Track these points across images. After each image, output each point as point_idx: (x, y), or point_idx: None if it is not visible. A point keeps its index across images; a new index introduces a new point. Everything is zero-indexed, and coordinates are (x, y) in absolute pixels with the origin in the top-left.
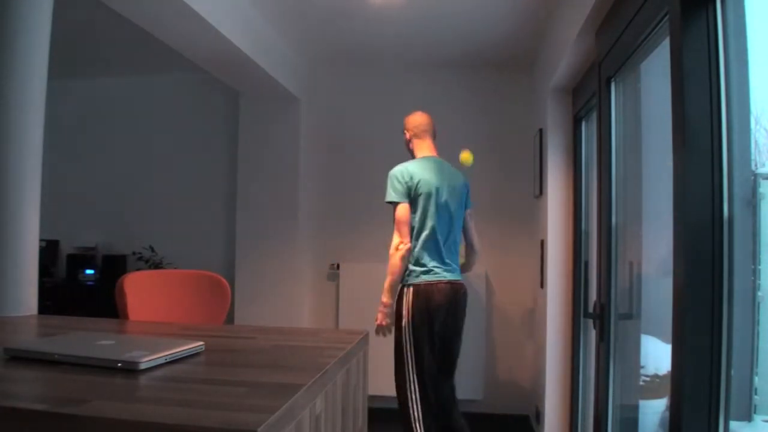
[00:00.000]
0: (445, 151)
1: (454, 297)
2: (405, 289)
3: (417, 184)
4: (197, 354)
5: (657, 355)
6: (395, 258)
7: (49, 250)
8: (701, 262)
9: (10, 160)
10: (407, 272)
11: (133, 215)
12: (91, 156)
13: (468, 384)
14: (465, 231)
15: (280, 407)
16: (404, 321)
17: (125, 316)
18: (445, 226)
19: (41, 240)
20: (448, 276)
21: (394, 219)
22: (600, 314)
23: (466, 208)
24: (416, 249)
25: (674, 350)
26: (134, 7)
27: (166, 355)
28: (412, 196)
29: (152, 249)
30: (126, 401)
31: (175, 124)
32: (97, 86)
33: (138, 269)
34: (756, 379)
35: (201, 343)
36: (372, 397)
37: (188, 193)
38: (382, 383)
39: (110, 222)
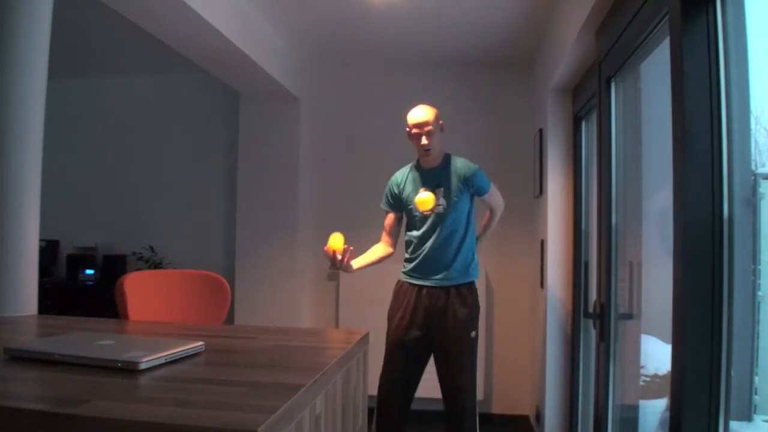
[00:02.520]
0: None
1: None
2: (475, 285)
3: None
4: (197, 354)
5: (657, 355)
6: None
7: (49, 250)
8: (701, 262)
9: (11, 160)
10: (474, 266)
11: (133, 215)
12: (92, 156)
13: None
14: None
15: (280, 407)
16: (478, 318)
17: (125, 316)
18: None
19: (41, 240)
20: None
21: (494, 200)
22: (600, 314)
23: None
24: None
25: (674, 350)
26: (134, 8)
27: (166, 355)
28: None
29: (152, 249)
30: (126, 401)
31: (175, 124)
32: (97, 86)
33: (138, 269)
34: (756, 379)
35: (201, 343)
36: (372, 397)
37: (188, 193)
38: None
39: (110, 222)
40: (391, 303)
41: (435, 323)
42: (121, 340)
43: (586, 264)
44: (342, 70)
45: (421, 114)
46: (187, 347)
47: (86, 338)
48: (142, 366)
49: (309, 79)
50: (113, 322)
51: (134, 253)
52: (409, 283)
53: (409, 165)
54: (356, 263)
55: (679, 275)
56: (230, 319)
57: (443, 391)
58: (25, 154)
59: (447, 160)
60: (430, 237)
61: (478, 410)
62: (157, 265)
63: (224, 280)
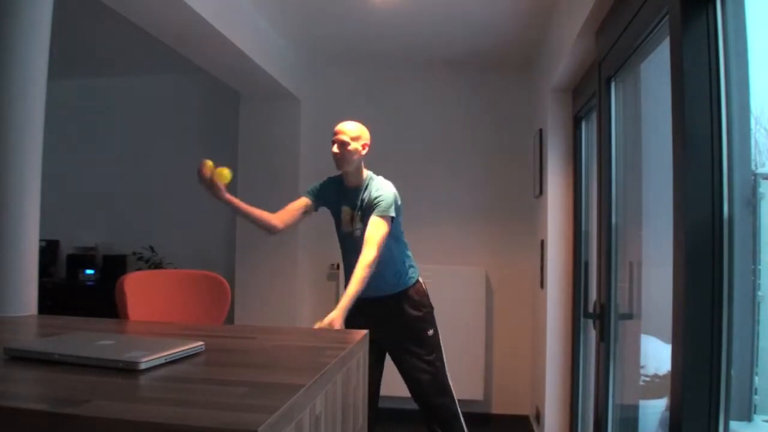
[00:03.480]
0: (445, 153)
1: None
2: (420, 285)
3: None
4: (197, 354)
5: (657, 355)
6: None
7: (49, 250)
8: (701, 262)
9: (11, 160)
10: (405, 275)
11: (133, 215)
12: (91, 156)
13: (468, 384)
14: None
15: (280, 407)
16: (430, 311)
17: (125, 316)
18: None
19: (41, 240)
20: None
21: (382, 232)
22: (600, 314)
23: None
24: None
25: (674, 350)
26: (134, 8)
27: (166, 355)
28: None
29: (152, 249)
30: (126, 401)
31: (176, 124)
32: (97, 86)
33: (138, 269)
34: (756, 379)
35: (201, 343)
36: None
37: (188, 193)
38: (389, 383)
39: (110, 222)
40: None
41: (390, 328)
42: (121, 340)
43: (586, 264)
44: (342, 70)
45: (346, 124)
46: (187, 347)
47: (86, 338)
48: (142, 366)
49: (309, 79)
50: (113, 322)
51: (134, 253)
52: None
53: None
54: (233, 199)
55: (679, 275)
56: (230, 319)
57: (413, 395)
58: (25, 155)
59: (368, 183)
60: (354, 257)
61: (459, 408)
62: (157, 265)
63: (224, 280)
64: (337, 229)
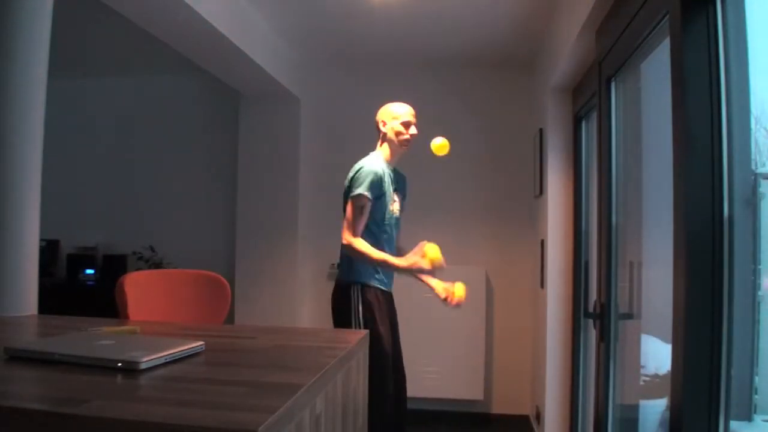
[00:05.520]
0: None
1: None
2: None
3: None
4: (197, 354)
5: (657, 355)
6: None
7: (49, 250)
8: (701, 262)
9: (11, 160)
10: None
11: (133, 215)
12: (92, 156)
13: (468, 384)
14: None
15: (280, 407)
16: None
17: (125, 316)
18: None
19: (41, 240)
20: None
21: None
22: (600, 314)
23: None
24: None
25: (674, 350)
26: (134, 8)
27: (166, 355)
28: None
29: (152, 249)
30: (126, 401)
31: (176, 124)
32: (97, 86)
33: (138, 269)
34: (756, 378)
35: (201, 343)
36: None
37: (188, 193)
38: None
39: (110, 222)
40: (374, 315)
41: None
42: (121, 340)
43: (586, 264)
44: (342, 70)
45: (410, 107)
46: (187, 347)
47: (86, 338)
48: (142, 366)
49: (309, 79)
50: (113, 322)
51: (134, 253)
52: (383, 290)
53: (378, 158)
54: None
55: (679, 275)
56: (230, 318)
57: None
58: (26, 154)
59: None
60: (393, 241)
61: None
62: (157, 265)
63: (224, 280)
64: (382, 220)
